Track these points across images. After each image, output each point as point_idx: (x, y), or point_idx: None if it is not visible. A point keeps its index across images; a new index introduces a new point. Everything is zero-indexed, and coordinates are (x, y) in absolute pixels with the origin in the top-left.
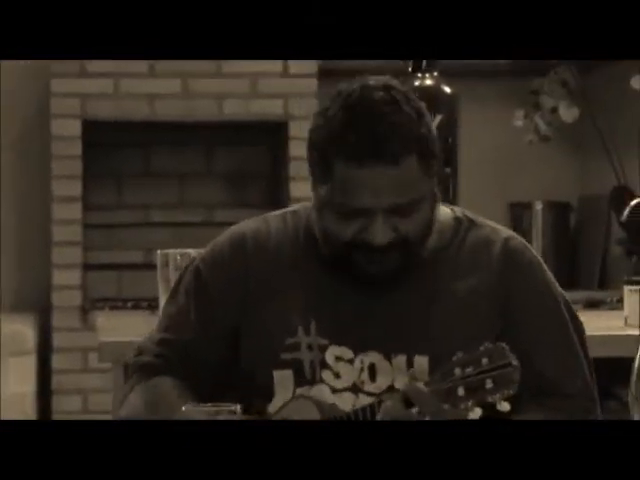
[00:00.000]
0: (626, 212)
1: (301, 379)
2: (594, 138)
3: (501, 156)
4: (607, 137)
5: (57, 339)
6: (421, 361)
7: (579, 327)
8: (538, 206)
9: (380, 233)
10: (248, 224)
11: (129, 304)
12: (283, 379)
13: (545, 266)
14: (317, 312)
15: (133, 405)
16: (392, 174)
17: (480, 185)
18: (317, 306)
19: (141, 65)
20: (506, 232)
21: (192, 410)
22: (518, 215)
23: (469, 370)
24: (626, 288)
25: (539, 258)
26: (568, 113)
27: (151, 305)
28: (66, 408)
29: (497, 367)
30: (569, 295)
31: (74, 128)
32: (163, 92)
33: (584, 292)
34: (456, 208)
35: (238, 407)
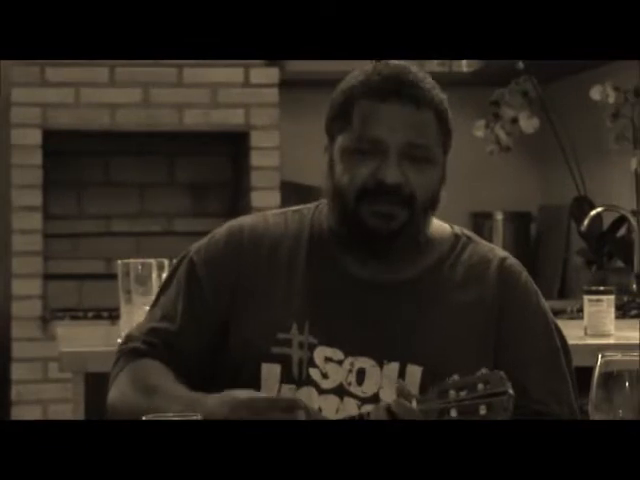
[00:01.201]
0: (586, 222)
1: (288, 375)
2: (554, 149)
3: (462, 166)
4: (567, 148)
5: (17, 349)
6: (414, 371)
7: (568, 354)
8: (499, 216)
9: (393, 171)
10: (246, 219)
11: (90, 314)
12: (270, 373)
13: (539, 290)
14: (312, 312)
15: (122, 385)
16: (411, 114)
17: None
18: (313, 306)
19: (102, 74)
20: (502, 252)
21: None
22: (479, 225)
23: (463, 394)
24: (586, 298)
25: (532, 282)
26: (528, 124)
27: (112, 315)
28: (26, 418)
29: (492, 394)
30: None
31: (34, 137)
32: (124, 102)
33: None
34: (455, 226)
35: (199, 417)
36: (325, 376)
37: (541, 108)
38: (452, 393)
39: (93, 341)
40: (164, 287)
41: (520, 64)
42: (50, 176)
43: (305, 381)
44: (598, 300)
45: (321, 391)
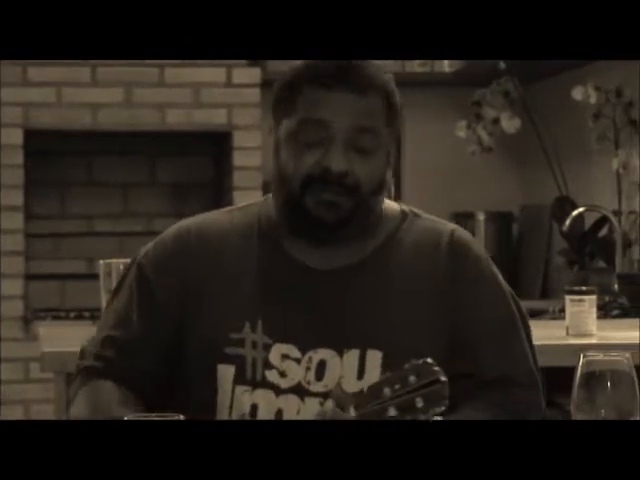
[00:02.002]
0: (568, 222)
1: (241, 376)
2: (536, 149)
3: (444, 166)
4: (549, 148)
5: None
6: (374, 355)
7: (526, 322)
8: (480, 216)
9: (338, 158)
10: (194, 219)
11: (72, 314)
12: (225, 375)
13: (490, 259)
14: (265, 309)
15: (78, 410)
16: (357, 100)
17: (423, 195)
18: (265, 303)
19: (84, 74)
20: (451, 225)
21: (136, 419)
22: (461, 225)
23: (397, 387)
24: (568, 298)
25: (485, 251)
26: (510, 124)
27: (94, 315)
28: (8, 418)
29: (426, 384)
30: None
31: (16, 137)
32: (106, 101)
33: (526, 302)
34: (402, 204)
35: (181, 417)
36: (283, 375)
37: (523, 108)
38: (387, 391)
39: (75, 341)
40: (115, 293)
41: (502, 64)
42: (32, 176)
43: (261, 383)
44: (580, 300)
45: (279, 392)
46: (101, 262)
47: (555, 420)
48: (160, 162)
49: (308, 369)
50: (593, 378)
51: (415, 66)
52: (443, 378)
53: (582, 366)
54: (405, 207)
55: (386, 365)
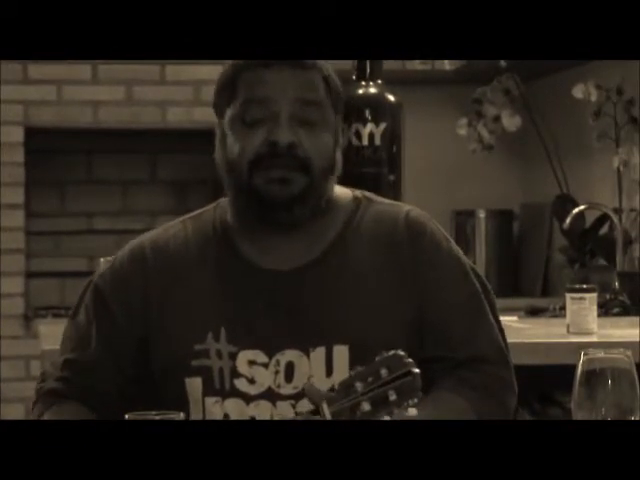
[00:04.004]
0: (568, 220)
1: (210, 388)
2: (537, 147)
3: (445, 164)
4: (550, 146)
5: None
6: (341, 351)
7: (490, 297)
8: (481, 214)
9: (285, 132)
10: (147, 235)
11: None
12: (193, 387)
13: (449, 236)
14: (227, 317)
15: None
16: (298, 74)
17: (424, 193)
18: (226, 310)
19: (84, 72)
20: (406, 206)
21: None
22: (462, 223)
23: (369, 381)
24: (568, 296)
25: (441, 229)
26: (511, 122)
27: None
28: (8, 416)
29: (397, 377)
30: (512, 303)
31: (17, 135)
32: (106, 99)
33: (527, 299)
34: (355, 189)
35: (182, 415)
36: (252, 381)
37: (523, 106)
38: (359, 385)
39: None
40: (73, 316)
41: (502, 62)
42: (32, 174)
43: (230, 392)
44: (581, 298)
45: (250, 399)
46: (101, 260)
47: (555, 420)
48: (160, 160)
49: (277, 372)
50: (594, 376)
51: (416, 64)
52: (415, 370)
53: (583, 364)
54: (357, 192)
55: (354, 359)
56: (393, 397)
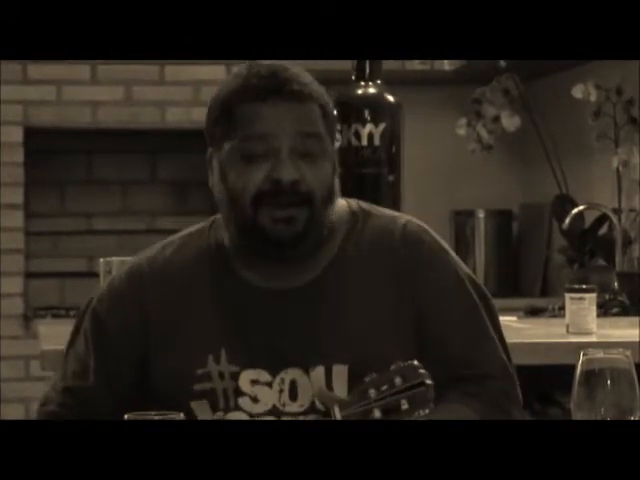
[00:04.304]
0: (567, 220)
1: (215, 408)
2: (536, 147)
3: (444, 164)
4: (549, 146)
5: None
6: (340, 370)
7: (490, 307)
8: (480, 214)
9: (288, 169)
10: (145, 254)
11: (71, 312)
12: (201, 409)
13: (447, 247)
14: (227, 338)
15: None
16: (295, 108)
17: (423, 193)
18: (225, 331)
19: (84, 72)
20: (403, 218)
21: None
22: (461, 223)
23: (383, 389)
24: (568, 296)
25: (439, 239)
26: (510, 122)
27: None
28: (8, 416)
29: (411, 387)
30: (511, 303)
31: (16, 135)
32: (106, 99)
33: (526, 300)
34: (351, 200)
35: (182, 415)
36: (255, 400)
37: (523, 106)
38: (372, 392)
39: None
40: (72, 341)
41: (502, 62)
42: (32, 174)
43: (234, 408)
44: (580, 298)
45: (254, 416)
46: (101, 260)
47: (554, 420)
48: (160, 160)
49: (281, 391)
50: (593, 376)
51: (415, 64)
52: (429, 381)
53: (582, 364)
54: (354, 205)
55: (353, 378)
56: (405, 406)
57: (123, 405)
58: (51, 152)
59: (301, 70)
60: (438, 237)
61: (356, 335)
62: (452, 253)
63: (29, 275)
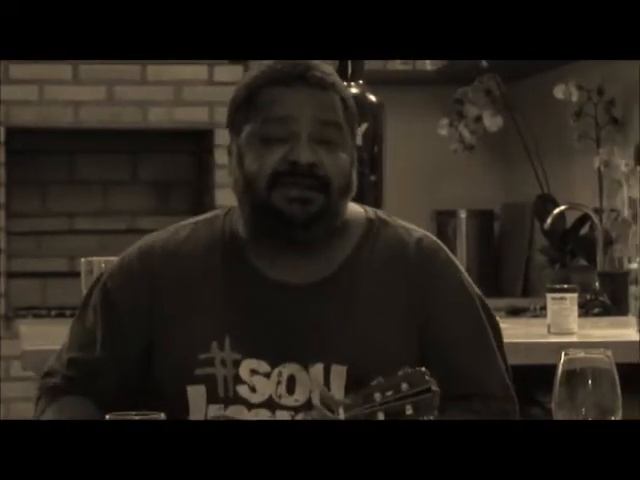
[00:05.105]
0: (549, 220)
1: (214, 395)
2: (518, 147)
3: (426, 164)
4: (531, 146)
5: None
6: (339, 370)
7: (496, 328)
8: (462, 214)
9: (305, 152)
10: (158, 235)
11: (53, 312)
12: (196, 395)
13: (460, 266)
14: (231, 326)
15: None
16: (317, 94)
17: (405, 193)
18: (231, 319)
19: (65, 72)
20: (419, 232)
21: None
22: (443, 223)
23: (389, 394)
24: (549, 296)
25: (453, 258)
26: (492, 122)
27: (75, 313)
28: None
29: (417, 392)
30: (492, 303)
31: None
32: (87, 99)
33: (507, 299)
34: (368, 208)
35: (162, 415)
36: (253, 390)
37: (505, 107)
38: (377, 396)
39: (56, 340)
40: (80, 314)
41: (484, 63)
42: (13, 174)
43: (233, 399)
44: (561, 298)
45: (251, 406)
46: (82, 260)
47: (535, 420)
48: (142, 160)
49: (279, 383)
50: (574, 376)
51: (397, 64)
52: (435, 388)
53: (563, 364)
54: (371, 213)
55: (350, 380)
56: (410, 412)
57: (126, 381)
58: (33, 152)
59: (325, 64)
60: (452, 255)
61: (360, 338)
62: (464, 272)
63: (10, 275)
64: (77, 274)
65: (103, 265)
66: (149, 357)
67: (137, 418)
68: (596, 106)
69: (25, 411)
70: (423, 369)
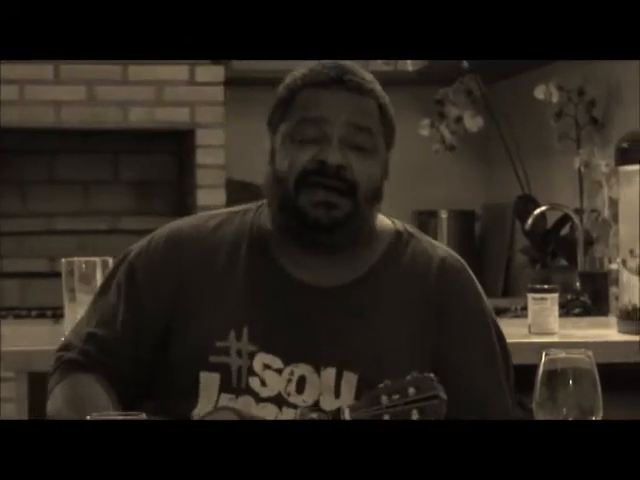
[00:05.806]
0: (530, 221)
1: (227, 385)
2: (498, 147)
3: (407, 165)
4: (511, 146)
5: None
6: (350, 377)
7: (508, 359)
8: (443, 214)
9: (335, 153)
10: (188, 220)
11: (33, 313)
12: (209, 382)
13: (480, 287)
14: (251, 317)
15: (56, 401)
16: (354, 99)
17: (387, 193)
18: (251, 311)
19: (46, 71)
20: (444, 250)
21: (98, 418)
22: (424, 223)
23: (395, 398)
24: (530, 296)
25: (475, 280)
26: (473, 122)
27: (56, 314)
28: None
29: (424, 398)
30: None
31: None
32: (68, 99)
33: (488, 300)
34: (397, 221)
35: (144, 415)
36: (264, 384)
37: (485, 107)
38: (384, 399)
39: (37, 340)
40: (103, 289)
41: (465, 63)
42: None
43: (244, 390)
44: (542, 298)
45: (259, 399)
46: (63, 260)
47: (516, 420)
48: (123, 160)
49: (289, 381)
50: (555, 376)
51: (379, 64)
52: (443, 395)
53: (544, 364)
54: (399, 225)
55: (361, 388)
56: (415, 416)
57: (140, 363)
58: (13, 152)
59: (366, 71)
60: (473, 276)
61: (374, 348)
62: (484, 297)
63: None
64: (58, 274)
65: (84, 266)
66: (166, 341)
67: (120, 418)
68: (576, 107)
69: (5, 412)
70: (432, 375)
